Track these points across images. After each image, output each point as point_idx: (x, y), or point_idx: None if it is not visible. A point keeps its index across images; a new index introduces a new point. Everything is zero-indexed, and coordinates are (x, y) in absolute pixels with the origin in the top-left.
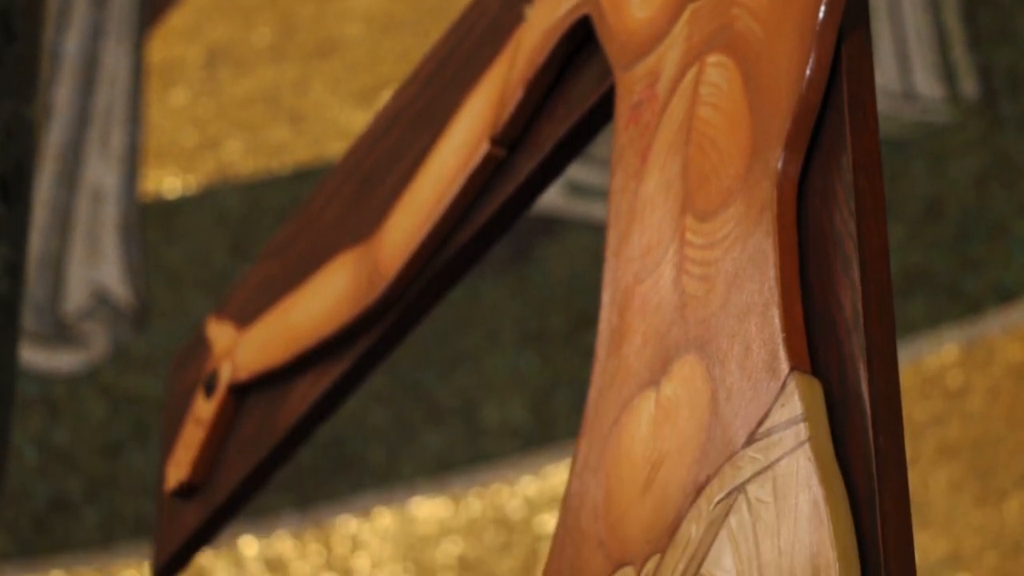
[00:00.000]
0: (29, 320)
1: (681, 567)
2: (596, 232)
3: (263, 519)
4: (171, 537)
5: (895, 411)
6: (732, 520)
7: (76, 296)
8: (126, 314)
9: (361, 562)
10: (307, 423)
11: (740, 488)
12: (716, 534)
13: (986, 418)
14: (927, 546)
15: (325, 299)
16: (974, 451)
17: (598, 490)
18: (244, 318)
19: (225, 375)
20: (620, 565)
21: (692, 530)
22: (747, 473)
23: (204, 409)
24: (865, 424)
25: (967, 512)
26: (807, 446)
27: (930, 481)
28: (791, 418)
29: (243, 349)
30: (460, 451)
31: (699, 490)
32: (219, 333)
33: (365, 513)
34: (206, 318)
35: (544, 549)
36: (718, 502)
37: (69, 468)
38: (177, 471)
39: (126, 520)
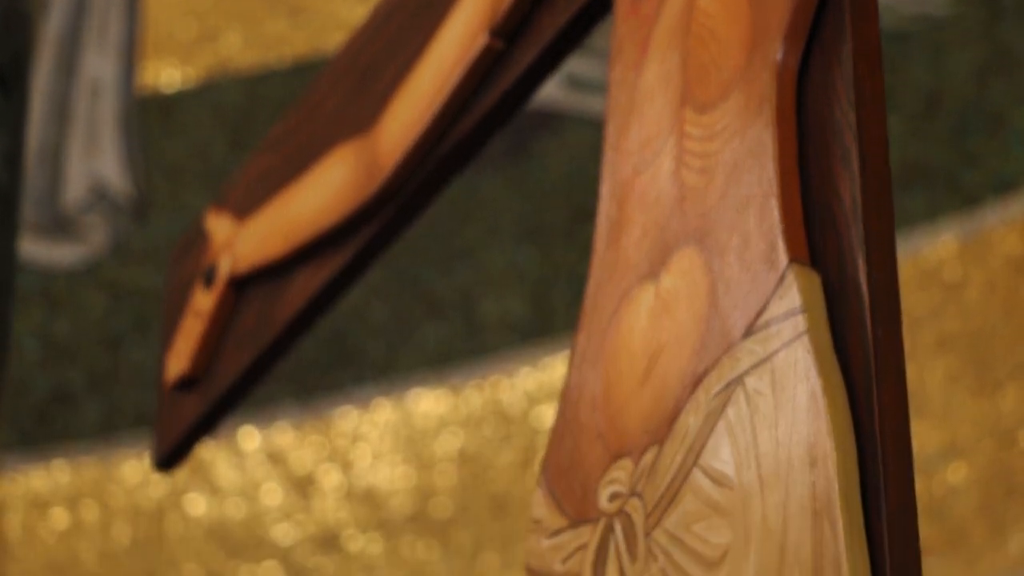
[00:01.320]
0: (29, 213)
1: (679, 458)
2: (596, 127)
3: (263, 411)
4: (171, 428)
5: (894, 303)
6: (730, 411)
7: (75, 189)
8: (125, 207)
9: (361, 454)
10: (306, 316)
11: (738, 380)
12: (714, 425)
13: (983, 310)
14: (924, 437)
15: (324, 191)
16: (971, 343)
17: (597, 382)
18: (243, 210)
19: (224, 267)
20: (619, 456)
21: (690, 421)
22: (745, 365)
23: (203, 301)
24: (863, 316)
25: (963, 403)
26: (805, 337)
27: (927, 373)
28: (789, 310)
29: (242, 241)
30: (459, 345)
31: (697, 382)
32: (218, 225)
33: (365, 406)
34: (205, 211)
35: (543, 442)
36: (716, 394)
37: (70, 361)
38: (176, 363)
39: (127, 412)
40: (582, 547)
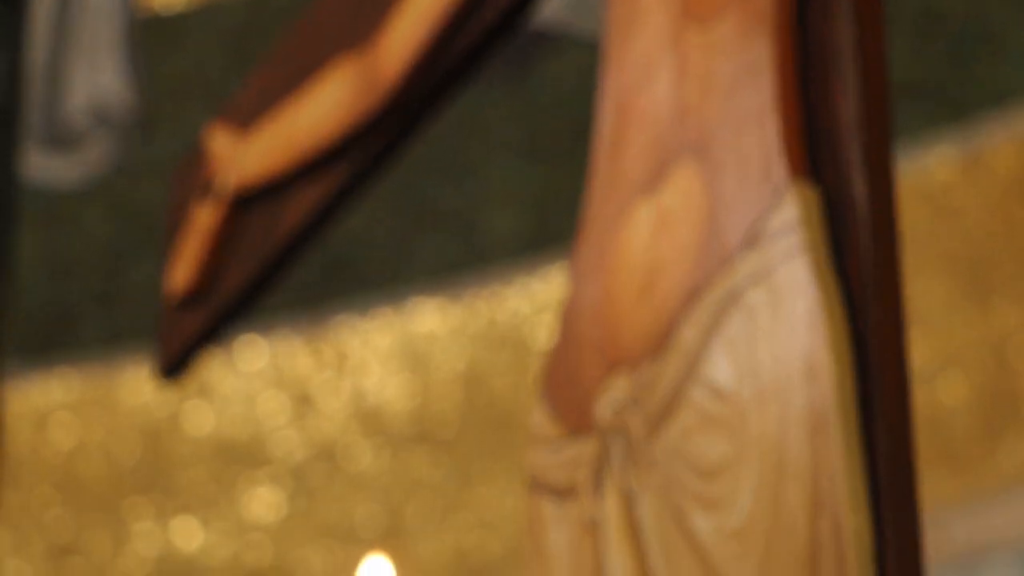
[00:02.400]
0: (31, 131)
1: (677, 371)
2: (597, 49)
3: (263, 322)
4: (174, 341)
5: (891, 218)
6: (728, 325)
7: (77, 103)
8: (127, 121)
9: (362, 366)
10: (308, 230)
11: (736, 293)
12: (712, 339)
13: (978, 223)
14: (920, 348)
15: (326, 105)
16: (966, 256)
17: (596, 296)
18: (245, 127)
19: (227, 183)
20: (618, 369)
21: (688, 335)
22: (743, 278)
23: (205, 217)
24: (861, 230)
25: (958, 314)
26: (803, 252)
27: (922, 286)
28: (788, 224)
29: (244, 157)
30: (461, 259)
31: (696, 295)
32: (220, 142)
33: (365, 318)
34: (207, 128)
35: (542, 354)
36: (714, 307)
37: (74, 277)
38: (179, 278)
39: (132, 327)
40: (581, 458)
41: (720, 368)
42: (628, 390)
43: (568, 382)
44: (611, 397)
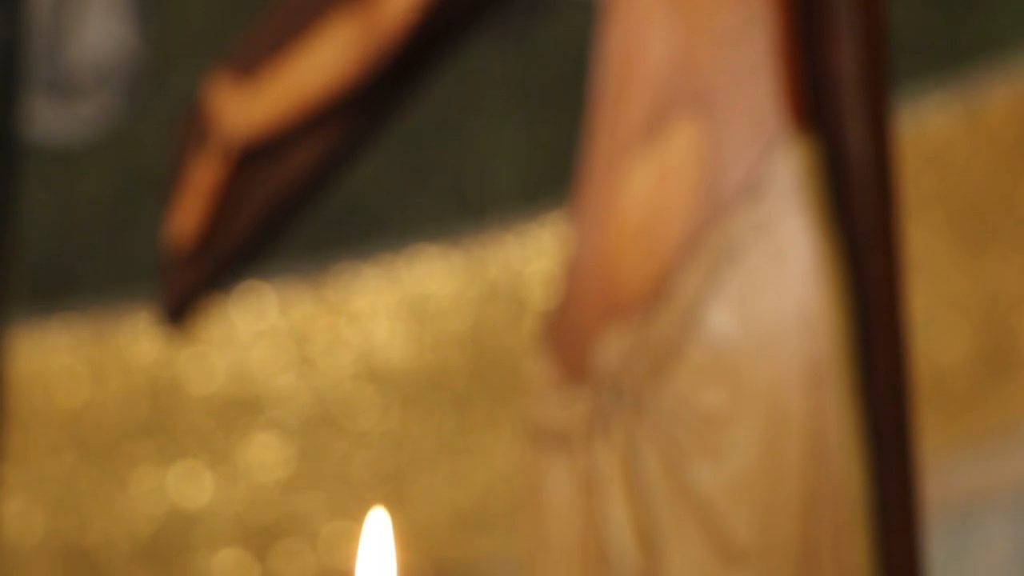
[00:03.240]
0: (35, 82)
1: (676, 323)
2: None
3: (265, 272)
4: (175, 294)
5: (891, 168)
6: (727, 276)
7: (84, 57)
8: (135, 77)
9: (364, 316)
10: (310, 186)
11: (735, 244)
12: (710, 290)
13: (974, 170)
14: (918, 298)
15: (328, 58)
16: (963, 203)
17: (596, 247)
18: (246, 79)
19: (228, 137)
20: (617, 319)
21: (686, 286)
22: (742, 229)
23: (207, 171)
24: (861, 180)
25: (956, 262)
26: (803, 202)
27: (919, 234)
28: (787, 174)
29: (246, 110)
30: (462, 209)
31: (694, 246)
32: (221, 95)
33: (367, 268)
34: (207, 81)
35: (543, 303)
36: (713, 258)
37: (79, 230)
38: (180, 231)
39: (137, 279)
40: (580, 410)
41: (718, 319)
42: (627, 341)
43: (568, 333)
44: (610, 348)
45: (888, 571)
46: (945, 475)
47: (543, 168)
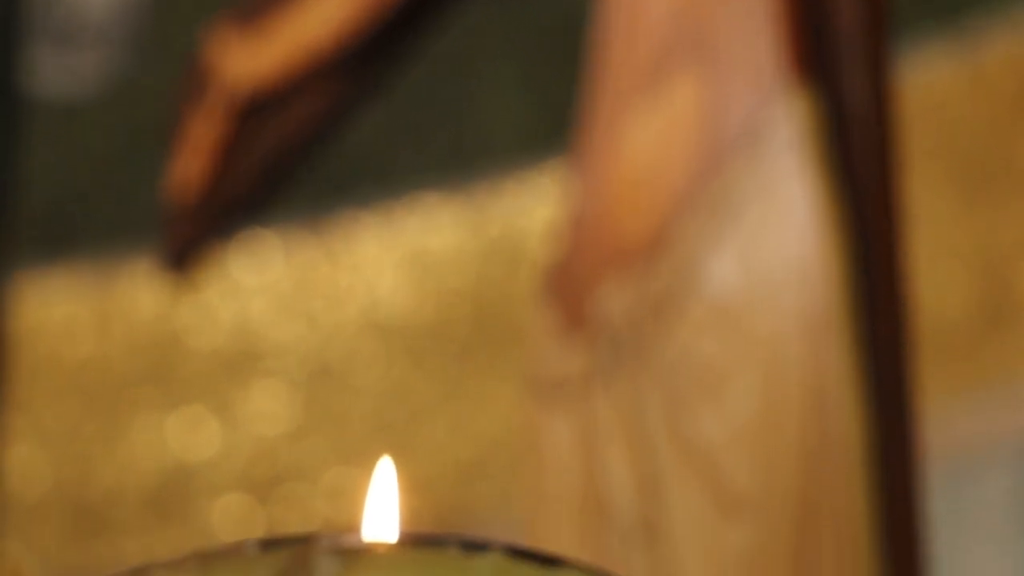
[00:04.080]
0: (36, 31)
1: (675, 273)
2: None
3: (264, 223)
4: (177, 244)
5: (892, 118)
6: (726, 226)
7: (84, 6)
8: (135, 28)
9: (365, 265)
10: (314, 137)
11: (734, 195)
12: (710, 241)
13: (974, 121)
14: (918, 249)
15: (330, 9)
16: (963, 155)
17: (596, 200)
18: (247, 31)
19: (229, 89)
20: (618, 271)
21: (685, 236)
22: (742, 180)
23: (208, 123)
24: (862, 130)
25: (956, 214)
26: (803, 154)
27: (919, 185)
28: (788, 125)
29: (247, 62)
30: (461, 165)
31: (694, 197)
32: (222, 47)
33: (362, 222)
34: (209, 32)
35: (543, 254)
36: (712, 209)
37: (82, 179)
38: (182, 183)
39: (140, 230)
40: (581, 360)
41: (718, 270)
42: (628, 292)
43: (569, 284)
44: (611, 299)
45: (887, 521)
46: (943, 426)
47: (544, 119)
